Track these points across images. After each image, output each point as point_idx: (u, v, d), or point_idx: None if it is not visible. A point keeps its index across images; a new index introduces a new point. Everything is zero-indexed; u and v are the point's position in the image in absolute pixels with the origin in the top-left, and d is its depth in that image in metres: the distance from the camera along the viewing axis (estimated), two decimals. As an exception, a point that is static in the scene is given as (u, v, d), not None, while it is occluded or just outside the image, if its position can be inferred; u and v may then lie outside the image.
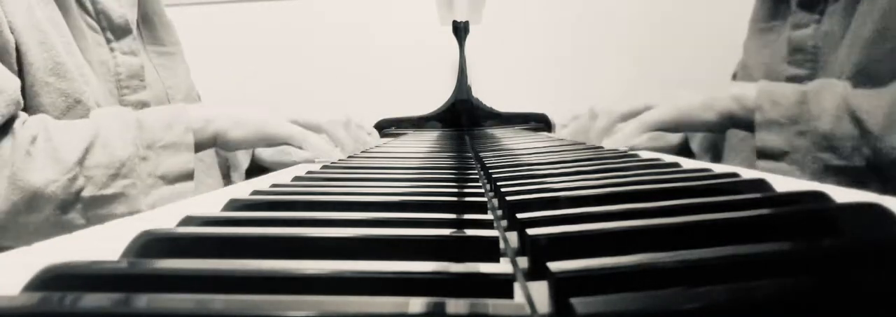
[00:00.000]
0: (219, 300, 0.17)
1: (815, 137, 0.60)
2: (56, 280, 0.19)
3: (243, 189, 0.41)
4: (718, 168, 0.43)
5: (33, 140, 0.58)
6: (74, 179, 0.57)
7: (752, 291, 0.16)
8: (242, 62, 1.52)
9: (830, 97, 0.60)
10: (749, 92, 0.66)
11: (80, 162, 0.58)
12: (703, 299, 0.16)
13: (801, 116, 0.61)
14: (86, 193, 0.58)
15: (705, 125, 0.70)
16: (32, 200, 0.57)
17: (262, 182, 0.49)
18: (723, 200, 0.29)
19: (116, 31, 0.78)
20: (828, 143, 0.59)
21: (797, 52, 0.77)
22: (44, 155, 0.58)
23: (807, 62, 0.76)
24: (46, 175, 0.57)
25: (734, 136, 0.81)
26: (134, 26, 0.82)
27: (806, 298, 0.16)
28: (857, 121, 0.58)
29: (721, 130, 0.75)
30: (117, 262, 0.22)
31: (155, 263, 0.21)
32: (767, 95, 0.64)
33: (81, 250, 0.27)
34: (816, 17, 0.76)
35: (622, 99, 0.77)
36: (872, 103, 0.58)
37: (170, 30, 0.94)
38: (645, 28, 1.48)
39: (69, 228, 0.58)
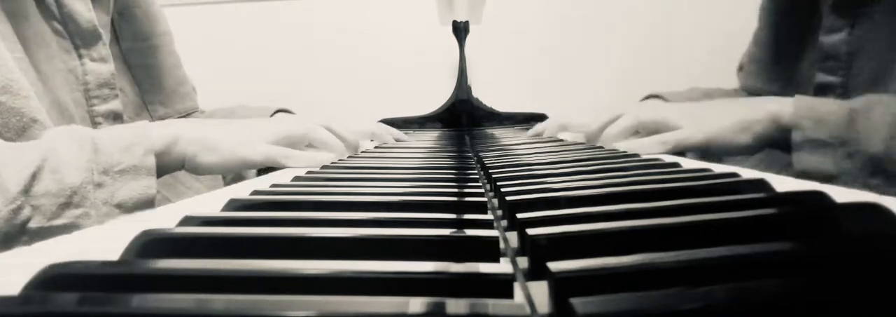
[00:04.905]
0: (219, 300, 0.17)
1: (864, 161, 0.54)
2: (56, 280, 0.19)
3: (243, 189, 0.41)
4: (718, 168, 0.43)
5: None
6: (19, 209, 0.50)
7: (752, 291, 0.16)
8: (242, 62, 1.52)
9: (882, 115, 0.54)
10: (787, 109, 0.60)
11: (26, 191, 0.50)
12: (702, 300, 0.16)
13: (850, 136, 0.55)
14: (33, 225, 0.51)
15: (739, 149, 0.63)
16: None
17: (262, 182, 0.49)
18: (723, 200, 0.29)
19: (85, 36, 0.73)
20: (879, 167, 0.53)
21: (829, 58, 0.72)
22: None
23: (839, 70, 0.72)
24: None
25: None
26: (107, 29, 0.77)
27: (806, 298, 0.16)
28: None
29: (755, 152, 0.68)
30: (117, 262, 0.22)
31: (155, 263, 0.21)
32: (809, 111, 0.58)
33: (81, 249, 0.27)
34: (849, 21, 0.71)
35: (618, 102, 0.74)
36: None
37: (156, 21, 0.88)
38: (646, 29, 1.48)
39: None
